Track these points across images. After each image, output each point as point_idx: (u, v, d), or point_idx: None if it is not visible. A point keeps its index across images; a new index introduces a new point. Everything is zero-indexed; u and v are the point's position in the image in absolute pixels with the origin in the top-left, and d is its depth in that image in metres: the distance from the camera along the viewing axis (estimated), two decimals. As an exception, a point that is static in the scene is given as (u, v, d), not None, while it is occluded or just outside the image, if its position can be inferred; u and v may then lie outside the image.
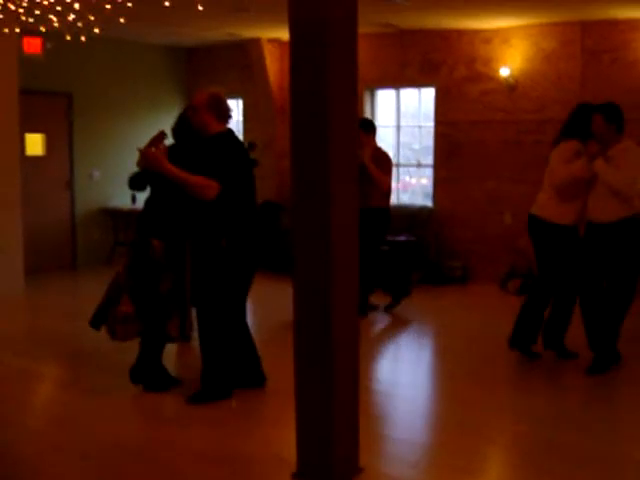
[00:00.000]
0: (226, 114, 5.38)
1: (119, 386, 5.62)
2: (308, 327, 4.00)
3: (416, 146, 10.82)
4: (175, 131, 5.72)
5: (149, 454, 4.56)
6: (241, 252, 5.29)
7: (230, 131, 5.40)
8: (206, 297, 5.30)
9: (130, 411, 5.43)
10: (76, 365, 6.32)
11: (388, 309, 8.20)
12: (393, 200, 10.43)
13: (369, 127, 7.94)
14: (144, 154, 5.29)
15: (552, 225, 6.07)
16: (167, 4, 5.25)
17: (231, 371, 5.41)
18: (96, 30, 5.62)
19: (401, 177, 10.90)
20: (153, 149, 5.65)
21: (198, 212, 5.22)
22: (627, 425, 5.08)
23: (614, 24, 8.79)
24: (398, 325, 7.99)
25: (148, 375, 5.58)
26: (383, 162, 7.79)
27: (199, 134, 5.36)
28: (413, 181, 10.89)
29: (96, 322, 5.56)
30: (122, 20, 5.57)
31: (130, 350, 5.65)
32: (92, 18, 5.38)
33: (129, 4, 5.26)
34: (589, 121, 5.94)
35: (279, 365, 5.22)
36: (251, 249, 5.39)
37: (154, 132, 5.82)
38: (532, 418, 5.16)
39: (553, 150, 6.16)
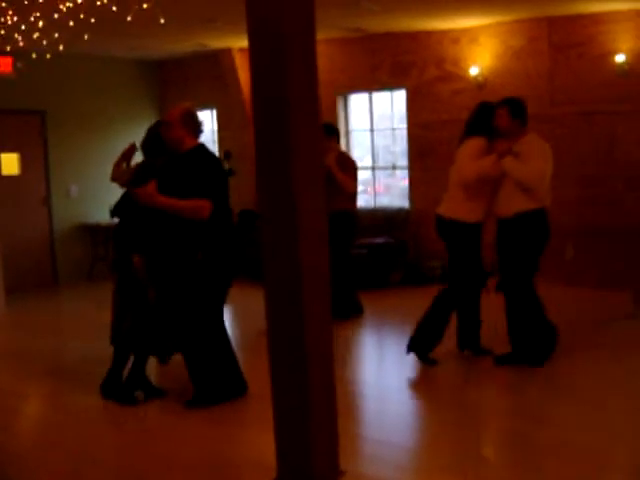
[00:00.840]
0: (199, 128, 5.45)
1: (101, 400, 5.65)
2: (281, 333, 4.03)
3: (393, 148, 10.88)
4: (145, 147, 5.75)
5: (127, 463, 4.60)
6: (217, 264, 5.35)
7: (203, 145, 5.47)
8: (183, 311, 5.35)
9: (109, 423, 5.45)
10: (58, 382, 6.31)
11: None
12: (370, 203, 10.55)
13: (331, 131, 7.93)
14: (135, 195, 5.29)
15: (459, 224, 6.13)
16: (129, 19, 5.28)
17: (219, 378, 5.50)
18: (61, 47, 5.65)
19: (381, 180, 10.98)
20: (124, 164, 5.69)
21: (173, 227, 5.26)
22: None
23: (579, 19, 8.88)
24: (381, 327, 8.03)
25: (119, 389, 5.59)
26: (348, 166, 7.82)
27: (172, 150, 5.41)
28: (396, 183, 10.92)
29: (115, 339, 5.64)
30: (86, 37, 5.59)
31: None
32: (56, 35, 5.41)
33: (92, 20, 5.30)
34: (492, 118, 6.02)
35: (258, 370, 5.25)
36: (227, 260, 5.44)
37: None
38: (514, 415, 5.23)
39: (459, 148, 6.21)
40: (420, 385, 6.26)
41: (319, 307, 4.02)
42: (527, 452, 4.52)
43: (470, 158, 6.00)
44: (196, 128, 5.40)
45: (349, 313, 7.98)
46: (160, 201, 5.17)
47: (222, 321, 5.56)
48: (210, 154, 5.48)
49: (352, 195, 7.85)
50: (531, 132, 6.08)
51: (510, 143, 5.90)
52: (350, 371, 6.39)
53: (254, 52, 3.87)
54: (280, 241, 3.93)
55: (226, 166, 7.51)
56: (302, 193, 3.81)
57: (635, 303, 7.69)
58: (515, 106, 6.01)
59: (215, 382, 5.47)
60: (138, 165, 5.69)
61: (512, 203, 5.96)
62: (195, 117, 5.41)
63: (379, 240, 9.65)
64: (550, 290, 6.71)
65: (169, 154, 5.44)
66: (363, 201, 10.44)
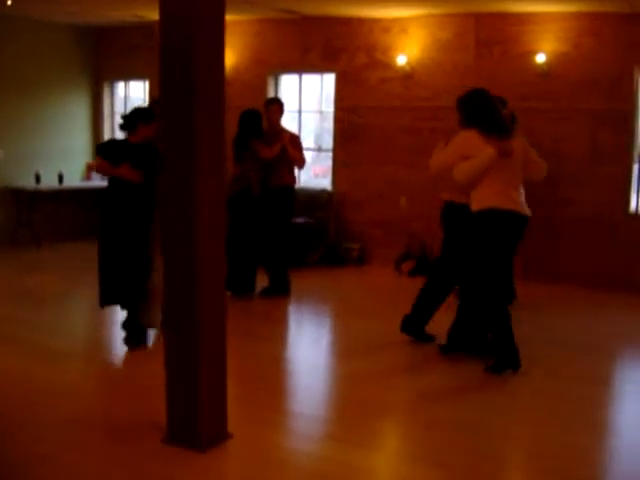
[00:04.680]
0: None
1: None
2: (175, 302, 4.22)
3: (320, 131, 11.08)
4: None
5: (19, 421, 4.69)
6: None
7: None
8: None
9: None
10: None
11: (263, 294, 8.20)
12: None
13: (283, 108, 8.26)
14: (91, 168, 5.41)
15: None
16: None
17: None
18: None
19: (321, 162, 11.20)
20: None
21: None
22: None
23: (505, 17, 9.16)
24: (297, 305, 8.19)
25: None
26: (297, 142, 8.13)
27: None
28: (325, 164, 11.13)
29: None
30: (9, 2, 5.61)
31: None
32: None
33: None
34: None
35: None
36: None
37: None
38: (420, 395, 5.42)
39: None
40: (335, 362, 6.45)
41: (213, 280, 4.22)
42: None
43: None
44: None
45: (287, 289, 8.25)
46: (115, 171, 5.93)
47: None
48: None
49: (293, 172, 8.16)
50: None
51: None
52: (270, 347, 6.55)
53: (164, 32, 4.04)
54: (179, 220, 4.11)
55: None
56: (204, 175, 4.01)
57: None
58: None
59: None
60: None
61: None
62: None
63: (299, 220, 9.81)
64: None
65: None
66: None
